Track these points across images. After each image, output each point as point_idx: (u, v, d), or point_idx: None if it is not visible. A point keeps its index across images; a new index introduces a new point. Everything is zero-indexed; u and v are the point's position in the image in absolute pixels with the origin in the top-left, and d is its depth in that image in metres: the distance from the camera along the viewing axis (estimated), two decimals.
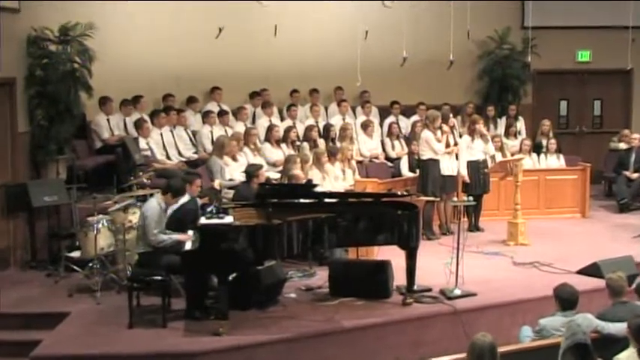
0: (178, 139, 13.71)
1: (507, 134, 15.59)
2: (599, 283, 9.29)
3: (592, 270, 10.31)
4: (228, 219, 8.99)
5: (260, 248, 8.59)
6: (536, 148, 15.21)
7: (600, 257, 10.54)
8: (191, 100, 14.70)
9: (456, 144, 12.83)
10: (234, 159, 12.68)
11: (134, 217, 10.11)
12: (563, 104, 17.98)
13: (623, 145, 15.83)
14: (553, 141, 15.17)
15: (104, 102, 13.55)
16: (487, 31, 16.52)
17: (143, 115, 13.77)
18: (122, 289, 9.72)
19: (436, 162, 12.50)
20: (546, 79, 17.60)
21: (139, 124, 13.26)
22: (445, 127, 12.67)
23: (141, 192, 10.65)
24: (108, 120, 13.51)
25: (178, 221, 9.46)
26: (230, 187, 11.83)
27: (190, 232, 9.19)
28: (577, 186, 14.40)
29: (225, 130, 13.87)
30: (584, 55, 17.63)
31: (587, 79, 17.84)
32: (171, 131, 13.67)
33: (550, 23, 16.80)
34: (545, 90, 17.68)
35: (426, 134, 12.58)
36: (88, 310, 9.41)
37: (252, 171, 10.99)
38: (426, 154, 12.56)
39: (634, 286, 8.20)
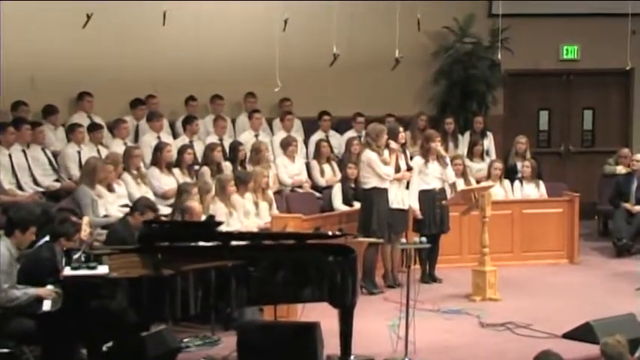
0: (33, 162, 13.56)
1: (471, 155, 15.79)
2: (592, 349, 9.42)
3: (583, 333, 10.45)
4: (102, 269, 8.93)
5: (145, 308, 8.56)
6: (509, 173, 15.38)
7: (594, 316, 10.69)
8: (50, 111, 14.55)
9: (409, 168, 12.93)
10: (109, 188, 12.63)
11: None
12: (544, 115, 18.29)
13: (621, 169, 16.09)
14: (529, 163, 15.32)
15: None
16: (444, 20, 16.76)
17: None
18: None
19: (383, 191, 12.60)
20: (521, 83, 17.90)
21: None
22: (394, 145, 12.75)
23: None
24: None
25: (29, 273, 9.32)
26: (104, 226, 11.78)
27: (50, 287, 9.08)
28: (562, 222, 14.64)
29: (98, 151, 13.80)
30: (570, 52, 17.98)
31: (575, 83, 18.18)
32: (24, 151, 13.52)
33: (526, 10, 17.05)
34: (521, 97, 17.97)
35: (369, 155, 12.65)
36: None
37: (140, 206, 10.93)
38: (369, 182, 12.65)
39: (638, 354, 8.31)
